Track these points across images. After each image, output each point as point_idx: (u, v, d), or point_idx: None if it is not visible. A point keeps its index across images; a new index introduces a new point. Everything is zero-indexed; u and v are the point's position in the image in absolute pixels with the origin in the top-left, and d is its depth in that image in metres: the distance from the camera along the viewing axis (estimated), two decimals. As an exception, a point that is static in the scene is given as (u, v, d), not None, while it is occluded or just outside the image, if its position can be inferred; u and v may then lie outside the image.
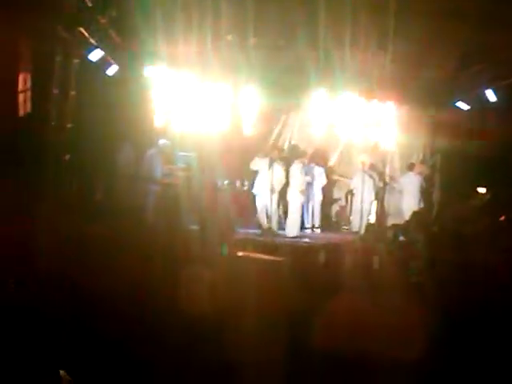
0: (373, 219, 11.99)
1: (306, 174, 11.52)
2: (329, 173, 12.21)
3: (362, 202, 11.62)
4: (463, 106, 12.24)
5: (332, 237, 11.43)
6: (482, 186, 12.20)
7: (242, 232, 10.53)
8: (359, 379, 5.98)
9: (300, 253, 9.92)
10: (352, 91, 11.64)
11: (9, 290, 7.00)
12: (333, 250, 10.15)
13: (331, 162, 12.70)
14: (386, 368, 5.92)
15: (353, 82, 11.63)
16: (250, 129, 11.78)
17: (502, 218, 11.09)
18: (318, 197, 11.70)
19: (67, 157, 10.60)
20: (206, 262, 8.20)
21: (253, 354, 6.49)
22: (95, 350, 6.13)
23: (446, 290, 8.08)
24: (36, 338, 5.89)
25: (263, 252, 9.31)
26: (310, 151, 12.25)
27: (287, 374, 6.03)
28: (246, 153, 11.79)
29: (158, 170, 11.19)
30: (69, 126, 10.71)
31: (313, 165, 11.80)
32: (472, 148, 12.14)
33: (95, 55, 10.40)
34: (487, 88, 11.67)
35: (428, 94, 12.10)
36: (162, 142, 11.23)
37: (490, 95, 11.60)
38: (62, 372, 5.44)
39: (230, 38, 10.76)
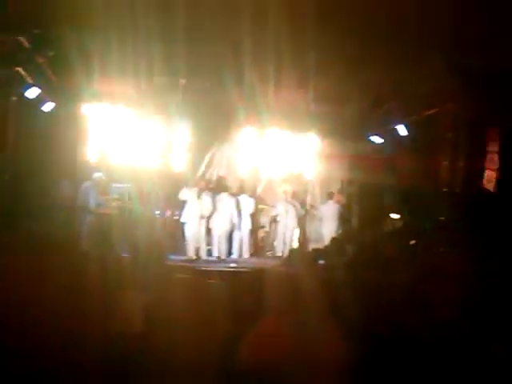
0: (295, 244, 11.91)
1: (234, 203, 11.68)
2: (256, 201, 12.20)
3: (285, 228, 11.96)
4: (377, 139, 12.88)
5: (258, 261, 11.48)
6: (395, 213, 12.27)
7: (173, 259, 10.69)
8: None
9: (226, 276, 10.16)
10: (276, 127, 12.28)
11: None
12: (257, 272, 10.41)
13: (258, 192, 12.87)
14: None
15: (277, 118, 12.29)
16: (181, 162, 11.95)
17: (413, 241, 11.09)
18: (246, 224, 11.74)
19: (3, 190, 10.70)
20: (137, 285, 8.70)
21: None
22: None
23: (360, 305, 9.10)
24: None
25: (192, 275, 9.82)
26: (237, 182, 12.31)
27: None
28: (176, 184, 11.81)
29: (93, 201, 11.14)
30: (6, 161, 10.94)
31: (241, 194, 11.89)
32: (385, 178, 12.52)
33: (31, 93, 10.72)
34: (398, 124, 12.12)
35: (346, 129, 12.65)
36: (96, 174, 11.27)
37: (402, 130, 12.03)
38: None
39: (162, 78, 11.25)
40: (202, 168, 12.82)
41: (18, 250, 8.46)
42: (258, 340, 6.42)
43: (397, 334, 6.71)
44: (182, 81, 11.53)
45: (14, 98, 10.95)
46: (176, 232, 11.71)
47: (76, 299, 7.43)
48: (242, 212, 11.83)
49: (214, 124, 12.15)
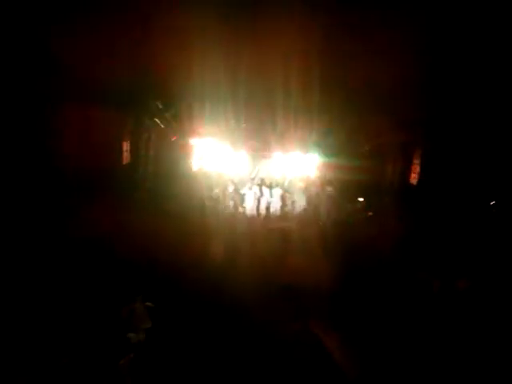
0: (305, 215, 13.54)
1: (269, 192, 13.49)
2: (282, 191, 13.66)
3: (299, 206, 13.65)
4: (350, 156, 14.18)
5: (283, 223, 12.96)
6: (361, 197, 14.10)
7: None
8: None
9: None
10: (293, 150, 14.00)
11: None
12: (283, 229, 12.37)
13: (285, 185, 14.28)
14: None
15: (293, 145, 13.95)
16: (243, 171, 13.88)
17: (370, 213, 13.59)
18: (276, 203, 13.37)
19: (149, 186, 12.96)
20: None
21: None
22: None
23: (337, 248, 10.47)
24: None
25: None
26: (273, 181, 14.17)
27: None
28: (241, 182, 13.84)
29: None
30: (149, 169, 13.15)
31: (274, 187, 13.69)
32: (354, 178, 14.03)
33: (164, 131, 13.06)
34: (363, 147, 13.99)
35: (334, 150, 14.25)
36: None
37: (365, 151, 13.87)
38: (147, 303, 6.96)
39: (232, 123, 13.26)
40: (254, 174, 14.59)
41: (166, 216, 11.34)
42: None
43: (361, 262, 9.50)
44: (243, 125, 13.45)
45: (153, 135, 13.22)
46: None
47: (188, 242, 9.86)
48: (274, 197, 13.56)
49: (259, 148, 13.88)
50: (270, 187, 13.85)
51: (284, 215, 13.77)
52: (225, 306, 7.39)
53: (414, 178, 13.61)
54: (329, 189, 14.10)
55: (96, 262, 8.01)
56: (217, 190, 13.17)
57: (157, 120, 12.89)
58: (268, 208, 13.71)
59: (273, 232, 12.19)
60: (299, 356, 6.68)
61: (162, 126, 13.04)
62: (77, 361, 6.11)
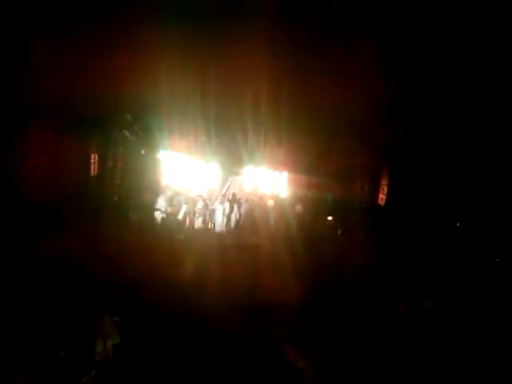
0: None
1: (238, 208, 13.75)
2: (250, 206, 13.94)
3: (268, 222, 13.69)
4: (321, 175, 14.09)
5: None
6: (330, 215, 14.38)
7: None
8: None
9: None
10: (264, 166, 14.05)
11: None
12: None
13: (255, 201, 14.32)
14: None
15: (265, 161, 13.88)
16: (213, 186, 13.88)
17: (339, 231, 13.79)
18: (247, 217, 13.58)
19: (115, 198, 12.66)
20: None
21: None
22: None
23: (307, 265, 10.28)
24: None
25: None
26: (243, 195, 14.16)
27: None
28: (210, 198, 13.89)
29: (164, 205, 13.09)
30: (117, 182, 12.69)
31: (241, 203, 13.89)
32: (324, 197, 14.40)
33: (132, 144, 12.70)
34: (332, 166, 13.85)
35: (302, 169, 14.20)
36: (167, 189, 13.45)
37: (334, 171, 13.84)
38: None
39: (203, 137, 13.10)
40: (225, 189, 14.45)
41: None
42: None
43: (329, 279, 9.44)
44: (215, 140, 13.23)
45: (122, 147, 12.70)
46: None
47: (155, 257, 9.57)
48: (243, 212, 13.78)
49: (231, 164, 13.71)
50: (239, 203, 13.87)
51: (254, 231, 13.54)
52: (194, 322, 7.26)
53: (381, 199, 13.81)
54: (298, 206, 14.31)
55: (60, 277, 7.73)
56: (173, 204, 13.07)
57: (125, 132, 12.57)
58: (238, 223, 13.71)
59: (243, 248, 11.90)
60: (270, 377, 6.54)
61: (131, 139, 12.72)
62: (38, 377, 5.83)
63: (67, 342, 6.24)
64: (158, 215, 13.02)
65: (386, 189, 13.66)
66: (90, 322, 6.43)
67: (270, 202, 14.11)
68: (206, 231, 13.03)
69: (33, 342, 6.27)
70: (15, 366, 5.82)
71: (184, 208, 13.21)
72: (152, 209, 13.07)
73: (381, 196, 13.80)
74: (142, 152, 13.25)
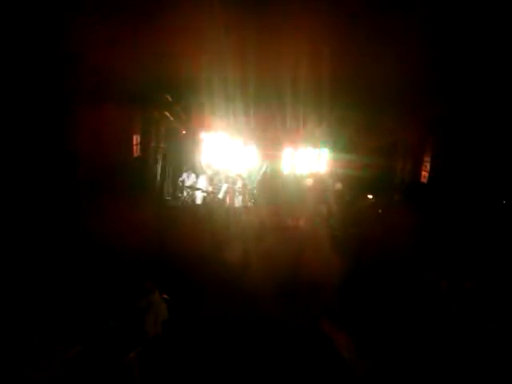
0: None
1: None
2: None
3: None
4: (361, 154, 13.74)
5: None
6: (371, 194, 14.04)
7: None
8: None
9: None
10: (302, 146, 13.80)
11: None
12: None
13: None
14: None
15: (302, 142, 13.76)
16: (251, 166, 13.80)
17: (380, 211, 13.54)
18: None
19: (158, 179, 13.28)
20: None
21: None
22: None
23: (347, 246, 10.46)
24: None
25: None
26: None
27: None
28: (249, 177, 13.94)
29: (205, 184, 13.45)
30: (159, 162, 13.36)
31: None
32: (365, 175, 13.84)
33: (173, 125, 13.29)
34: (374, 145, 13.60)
35: (344, 145, 13.96)
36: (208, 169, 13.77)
37: (376, 149, 13.48)
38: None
39: (241, 119, 13.02)
40: (263, 169, 14.30)
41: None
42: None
43: (371, 260, 9.41)
44: (253, 121, 13.22)
45: (163, 128, 13.38)
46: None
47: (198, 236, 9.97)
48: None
49: (269, 145, 13.66)
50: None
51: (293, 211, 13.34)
52: (236, 302, 7.38)
53: (424, 176, 13.58)
54: (338, 185, 14.00)
55: (109, 257, 7.97)
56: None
57: (167, 113, 12.93)
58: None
59: (282, 229, 11.98)
60: (309, 353, 6.68)
61: (172, 119, 13.07)
62: (89, 350, 6.02)
63: (118, 315, 6.41)
64: (200, 194, 13.26)
65: (428, 166, 13.39)
66: (142, 297, 6.60)
67: (309, 181, 13.79)
68: (246, 210, 13.03)
69: (84, 314, 6.52)
70: (65, 338, 6.10)
71: (224, 187, 13.39)
72: (194, 188, 13.34)
73: (423, 173, 13.56)
74: (184, 132, 13.48)
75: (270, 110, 12.74)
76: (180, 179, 13.50)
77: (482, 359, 6.38)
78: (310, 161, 13.95)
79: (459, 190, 11.93)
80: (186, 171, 13.58)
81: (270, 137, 13.39)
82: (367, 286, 8.46)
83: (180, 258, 8.61)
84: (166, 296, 6.88)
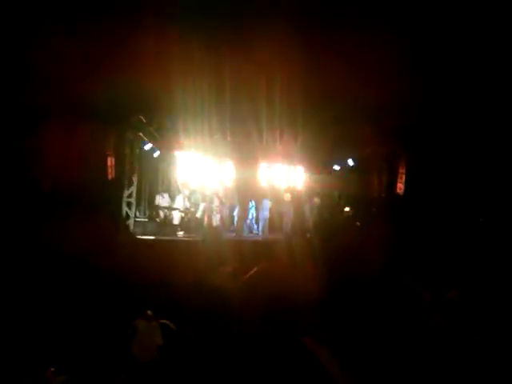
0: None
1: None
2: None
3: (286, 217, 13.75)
4: (337, 167, 14.73)
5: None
6: (348, 207, 14.72)
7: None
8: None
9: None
10: (278, 163, 13.79)
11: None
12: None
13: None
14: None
15: (279, 158, 13.78)
16: (228, 183, 13.47)
17: (357, 223, 14.05)
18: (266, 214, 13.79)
19: (133, 201, 12.86)
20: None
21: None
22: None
23: (326, 259, 10.39)
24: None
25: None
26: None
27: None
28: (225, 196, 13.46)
29: (181, 204, 13.41)
30: (134, 184, 12.90)
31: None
32: (341, 189, 14.68)
33: (147, 146, 13.04)
34: (349, 158, 14.26)
35: (320, 160, 14.36)
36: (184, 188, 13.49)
37: (350, 162, 14.28)
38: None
39: (216, 136, 13.08)
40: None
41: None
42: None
43: (349, 272, 9.62)
44: (229, 138, 13.26)
45: (137, 150, 13.11)
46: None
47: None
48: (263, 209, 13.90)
49: (245, 162, 13.51)
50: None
51: (272, 227, 13.90)
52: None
53: (399, 188, 13.75)
54: (315, 199, 14.29)
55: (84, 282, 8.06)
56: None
57: (140, 134, 12.73)
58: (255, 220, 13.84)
59: (261, 244, 12.27)
60: (295, 370, 6.73)
61: (146, 140, 12.87)
62: (75, 379, 5.96)
63: (103, 342, 6.49)
64: (177, 214, 13.17)
65: (404, 178, 13.58)
66: (129, 323, 6.55)
67: (287, 196, 13.86)
68: (224, 229, 13.01)
69: (69, 342, 6.52)
70: (52, 366, 5.98)
71: (201, 206, 13.29)
72: (171, 208, 13.23)
73: (399, 185, 13.71)
74: (158, 152, 13.35)
75: (245, 127, 12.67)
76: (155, 201, 13.47)
77: (466, 370, 6.43)
78: (287, 176, 13.98)
79: (434, 200, 12.04)
80: (160, 193, 13.54)
81: (246, 153, 13.37)
82: (347, 299, 8.58)
83: (167, 282, 8.61)
84: (165, 321, 6.79)
